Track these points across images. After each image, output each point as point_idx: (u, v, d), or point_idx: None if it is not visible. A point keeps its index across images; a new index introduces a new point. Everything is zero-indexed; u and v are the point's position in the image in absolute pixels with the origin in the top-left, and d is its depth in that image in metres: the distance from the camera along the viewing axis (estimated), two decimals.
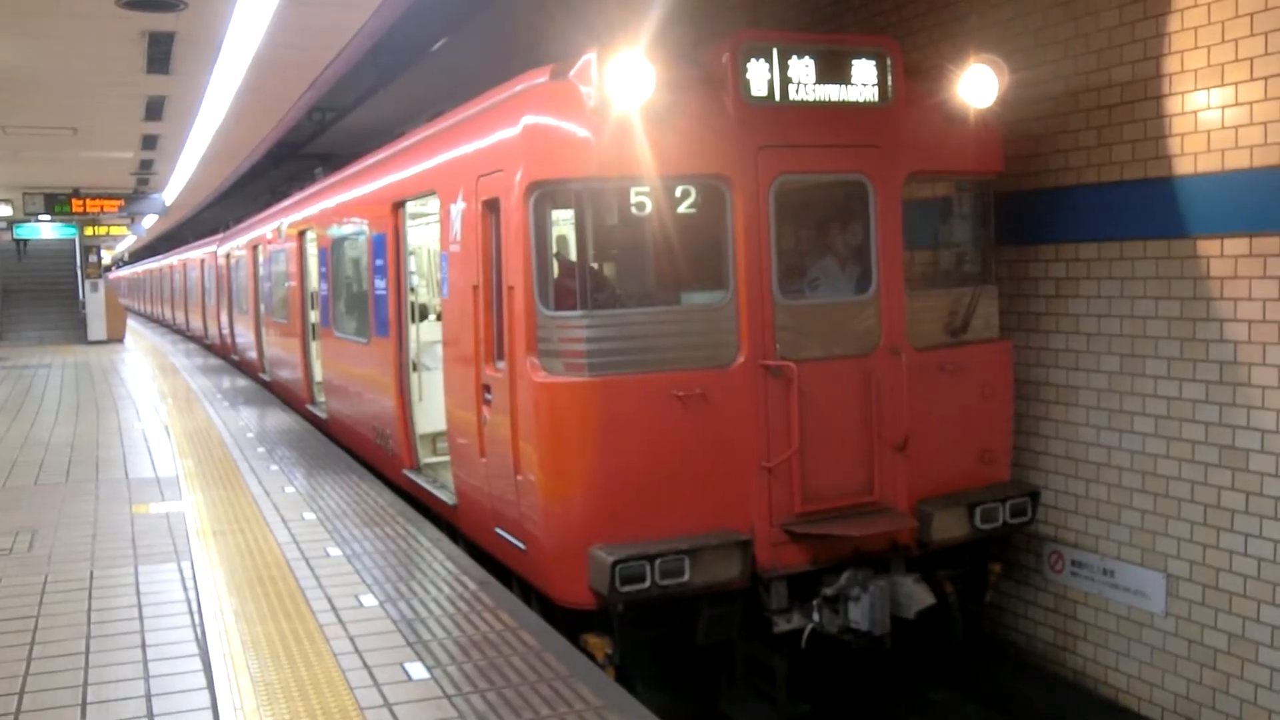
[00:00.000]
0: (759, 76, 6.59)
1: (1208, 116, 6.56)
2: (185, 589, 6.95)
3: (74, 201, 25.23)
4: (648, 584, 6.13)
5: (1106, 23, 7.17)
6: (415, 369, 9.62)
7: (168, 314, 41.58)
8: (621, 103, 6.14)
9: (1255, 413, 6.41)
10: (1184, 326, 6.81)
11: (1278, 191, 6.17)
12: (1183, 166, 6.73)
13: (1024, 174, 7.81)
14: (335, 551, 7.56)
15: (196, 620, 6.33)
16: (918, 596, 6.78)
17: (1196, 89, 6.62)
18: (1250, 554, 6.49)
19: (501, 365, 6.92)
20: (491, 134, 7.22)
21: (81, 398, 17.30)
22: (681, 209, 7.53)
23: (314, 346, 14.02)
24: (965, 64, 7.04)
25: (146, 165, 20.37)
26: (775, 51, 6.63)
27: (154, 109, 13.74)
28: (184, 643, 5.99)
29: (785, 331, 6.69)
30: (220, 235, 25.59)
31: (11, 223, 30.75)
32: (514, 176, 6.64)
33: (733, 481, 6.56)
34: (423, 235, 11.85)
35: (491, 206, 7.07)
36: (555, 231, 6.99)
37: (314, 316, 13.98)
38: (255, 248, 18.69)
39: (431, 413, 9.16)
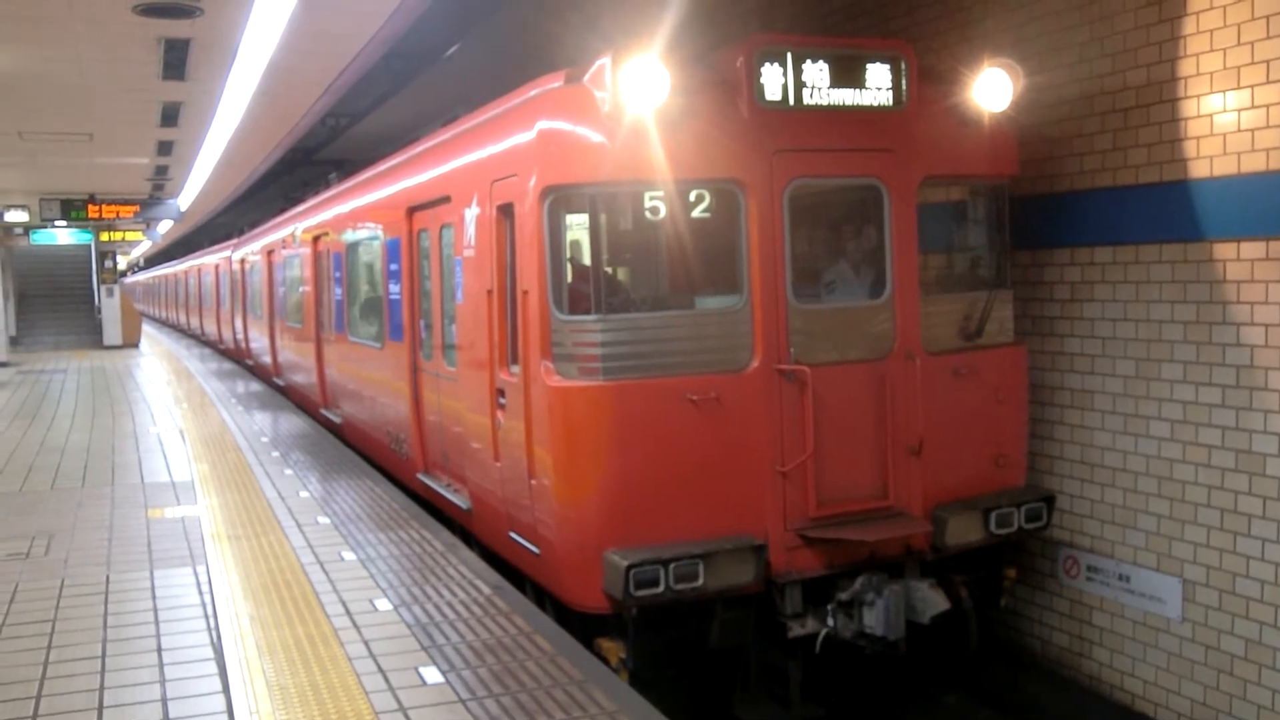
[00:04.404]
0: (773, 80, 6.59)
1: (1224, 119, 6.53)
2: (201, 593, 6.97)
3: (90, 207, 25.35)
4: (662, 588, 6.12)
5: (1121, 26, 7.15)
6: None
7: (183, 319, 41.75)
8: (635, 107, 6.15)
9: (1272, 417, 6.37)
10: (1200, 330, 6.78)
11: None
12: (1198, 170, 6.70)
13: (1039, 178, 7.79)
14: (350, 555, 7.58)
15: (212, 624, 6.35)
16: (932, 601, 6.76)
17: (1212, 92, 6.59)
18: (1268, 559, 6.46)
19: (516, 370, 6.93)
20: (506, 139, 7.23)
21: (97, 402, 17.39)
22: (696, 213, 7.53)
23: (327, 351, 14.06)
24: (980, 67, 7.03)
25: (162, 171, 20.46)
26: (789, 55, 6.63)
27: (169, 115, 13.80)
28: (199, 647, 6.01)
29: (799, 336, 6.68)
30: (234, 241, 25.70)
31: (28, 228, 30.92)
32: (528, 181, 6.65)
33: (747, 486, 6.54)
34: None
35: (506, 211, 7.08)
36: (569, 236, 6.99)
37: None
38: (269, 253, 18.76)
39: None
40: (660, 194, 6.96)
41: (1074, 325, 7.69)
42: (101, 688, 5.45)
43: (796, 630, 6.64)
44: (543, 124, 6.65)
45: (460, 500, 8.31)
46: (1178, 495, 7.01)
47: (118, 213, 25.89)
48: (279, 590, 6.79)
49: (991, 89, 7.02)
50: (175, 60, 10.39)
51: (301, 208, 16.68)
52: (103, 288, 31.26)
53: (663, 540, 6.30)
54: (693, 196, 7.39)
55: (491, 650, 5.67)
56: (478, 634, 5.92)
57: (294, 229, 16.33)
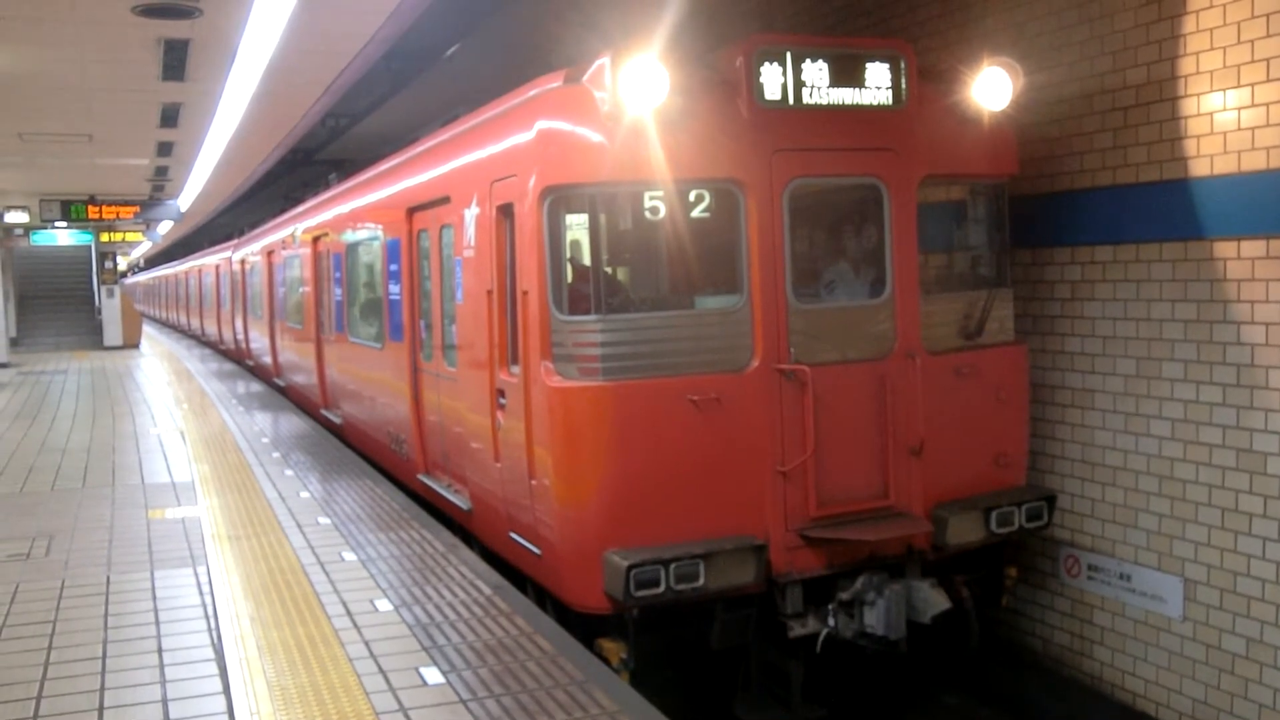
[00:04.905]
0: (773, 80, 6.58)
1: (1224, 118, 6.53)
2: (201, 594, 6.97)
3: (90, 208, 25.33)
4: (662, 588, 6.12)
5: (1122, 24, 7.14)
6: None
7: (183, 320, 41.77)
8: (635, 107, 6.14)
9: (1273, 415, 6.37)
10: (1200, 329, 6.77)
11: None
12: (1199, 168, 6.69)
13: (1039, 176, 7.78)
14: (350, 556, 7.57)
15: (212, 625, 6.35)
16: (933, 601, 6.75)
17: (1212, 90, 6.59)
18: (1269, 558, 6.45)
19: (516, 370, 6.93)
20: (505, 139, 7.23)
21: (97, 403, 17.40)
22: (695, 213, 7.53)
23: (328, 351, 14.06)
24: (979, 66, 7.02)
25: (162, 172, 20.45)
26: (789, 55, 6.63)
27: (169, 116, 13.78)
28: (200, 647, 6.01)
29: (800, 335, 6.67)
30: (234, 241, 25.71)
31: (28, 229, 30.93)
32: (528, 181, 6.65)
33: (747, 486, 6.54)
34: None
35: (505, 211, 7.07)
36: (569, 236, 6.98)
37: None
38: (269, 254, 18.76)
39: None
40: (660, 194, 6.96)
41: (1074, 324, 7.69)
42: (102, 688, 5.45)
43: (797, 630, 6.64)
44: (542, 124, 6.65)
45: (460, 501, 8.31)
46: (1179, 494, 7.01)
47: (118, 213, 25.86)
48: (279, 591, 6.79)
49: (991, 88, 7.01)
50: (175, 61, 10.38)
51: (301, 208, 16.68)
52: (103, 288, 31.29)
53: (663, 540, 6.29)
54: (692, 196, 7.38)
55: (492, 651, 5.67)
56: (478, 634, 5.92)
57: (294, 229, 16.33)
